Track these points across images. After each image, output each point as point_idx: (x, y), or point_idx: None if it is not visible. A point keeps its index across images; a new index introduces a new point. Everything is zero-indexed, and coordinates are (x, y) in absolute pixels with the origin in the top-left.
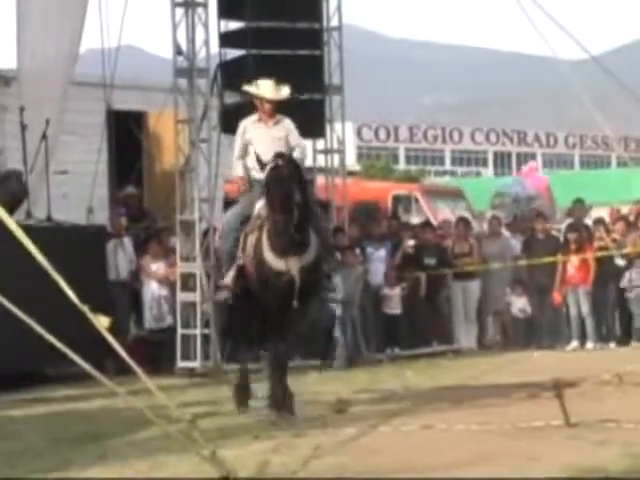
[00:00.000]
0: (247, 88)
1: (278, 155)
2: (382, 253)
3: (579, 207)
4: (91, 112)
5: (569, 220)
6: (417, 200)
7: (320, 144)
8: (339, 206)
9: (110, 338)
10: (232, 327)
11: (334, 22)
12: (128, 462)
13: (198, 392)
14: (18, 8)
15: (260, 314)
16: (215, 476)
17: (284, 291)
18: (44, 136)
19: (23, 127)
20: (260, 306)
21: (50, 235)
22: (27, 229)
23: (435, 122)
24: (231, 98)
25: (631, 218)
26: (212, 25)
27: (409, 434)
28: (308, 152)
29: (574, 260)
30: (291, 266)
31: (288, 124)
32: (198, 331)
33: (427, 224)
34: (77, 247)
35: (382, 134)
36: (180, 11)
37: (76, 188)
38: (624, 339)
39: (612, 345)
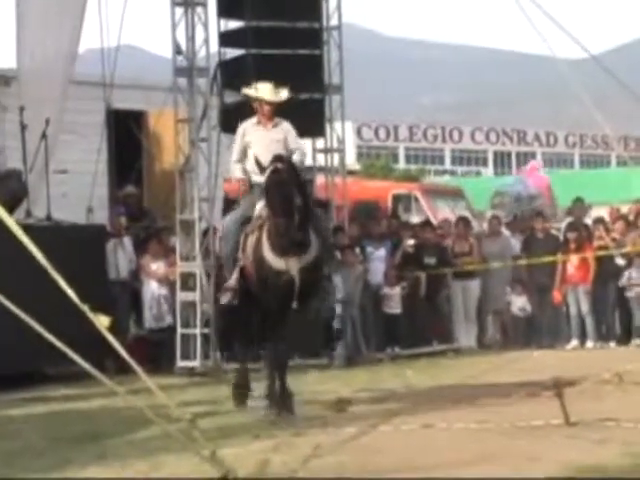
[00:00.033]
0: (246, 91)
1: (277, 158)
2: (382, 252)
3: (579, 206)
4: (91, 111)
5: (569, 219)
6: (417, 199)
7: (320, 143)
8: (339, 205)
9: (110, 337)
10: (232, 327)
11: (334, 21)
12: (128, 462)
13: (198, 391)
14: (17, 7)
15: (260, 314)
16: (215, 475)
17: (284, 291)
18: (44, 135)
19: (23, 127)
20: (260, 306)
21: (50, 234)
22: (27, 228)
23: (435, 121)
24: (231, 97)
25: (631, 217)
26: (212, 24)
27: (409, 433)
28: (308, 152)
29: (574, 259)
30: (291, 266)
31: (287, 127)
32: (198, 330)
33: (427, 223)
34: (77, 246)
35: (382, 133)
36: (180, 10)
37: (76, 187)
38: (624, 338)
39: (612, 344)
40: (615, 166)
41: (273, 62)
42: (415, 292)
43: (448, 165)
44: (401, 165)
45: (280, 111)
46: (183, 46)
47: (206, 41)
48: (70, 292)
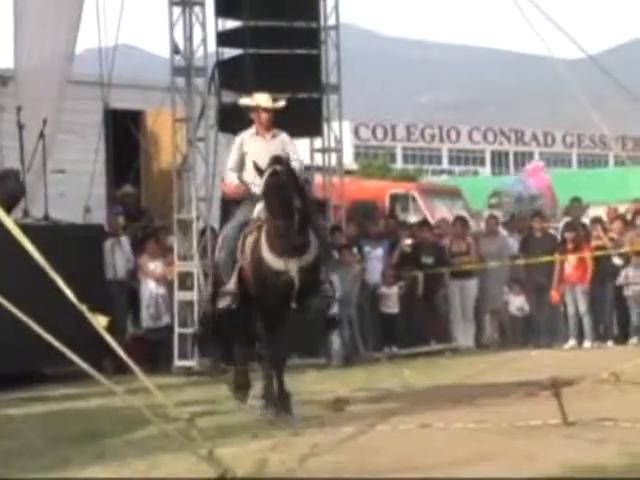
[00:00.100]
0: (243, 101)
1: (276, 160)
2: (379, 252)
3: (576, 206)
4: (88, 111)
5: (566, 219)
6: (414, 199)
7: (317, 143)
8: (336, 205)
9: (108, 337)
10: (231, 329)
11: (331, 21)
12: (126, 461)
13: (196, 391)
14: (15, 7)
15: (259, 314)
16: (213, 475)
17: (282, 291)
18: (41, 135)
19: (20, 126)
20: (259, 306)
21: (47, 234)
22: (24, 228)
23: (432, 121)
24: (229, 97)
25: (628, 217)
26: (209, 24)
27: (407, 433)
28: (305, 154)
29: (571, 259)
30: (290, 266)
31: (285, 138)
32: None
33: (424, 223)
34: (74, 246)
35: (379, 133)
36: (177, 10)
37: (73, 187)
38: (621, 338)
39: (609, 344)
40: (613, 166)
41: (271, 62)
42: (413, 292)
43: (446, 165)
44: (399, 165)
45: (278, 111)
46: (181, 46)
47: (204, 41)
48: (68, 292)
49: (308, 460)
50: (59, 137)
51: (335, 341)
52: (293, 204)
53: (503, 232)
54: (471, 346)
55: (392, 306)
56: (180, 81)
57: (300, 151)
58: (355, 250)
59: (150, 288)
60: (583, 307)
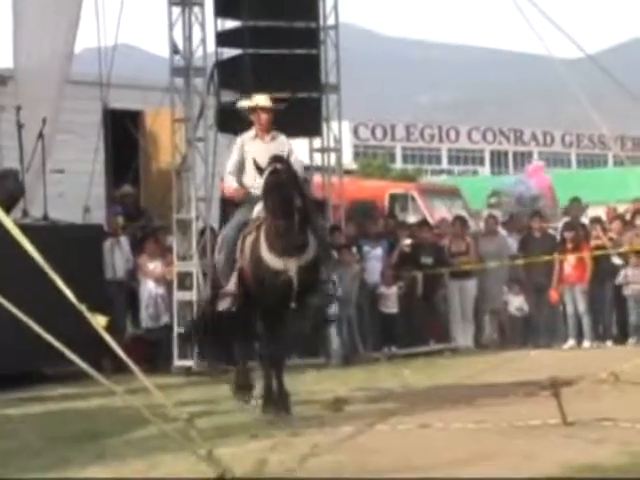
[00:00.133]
0: (242, 103)
1: (276, 159)
2: (379, 252)
3: (576, 206)
4: (88, 111)
5: (566, 219)
6: (414, 199)
7: (317, 143)
8: (336, 205)
9: (107, 337)
10: (231, 329)
11: (331, 21)
12: (126, 461)
13: (195, 391)
14: (14, 7)
15: (259, 314)
16: (212, 475)
17: (282, 291)
18: (41, 135)
19: (20, 126)
20: (258, 306)
21: (47, 234)
22: (24, 228)
23: (432, 121)
24: (228, 97)
25: (627, 217)
26: (209, 24)
27: (406, 433)
28: (304, 155)
29: (571, 259)
30: (289, 266)
31: (284, 140)
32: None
33: (424, 223)
34: (74, 246)
35: (379, 133)
36: (177, 10)
37: (73, 187)
38: (621, 337)
39: (609, 343)
40: (612, 166)
41: (270, 62)
42: (412, 291)
43: (445, 165)
44: (398, 165)
45: (277, 111)
46: (180, 46)
47: (203, 41)
48: (67, 292)
49: (307, 460)
50: (58, 137)
51: (334, 341)
52: (293, 203)
53: (502, 232)
54: (470, 346)
55: (391, 306)
56: (179, 81)
57: (298, 153)
58: (354, 250)
59: (149, 288)
60: (582, 307)
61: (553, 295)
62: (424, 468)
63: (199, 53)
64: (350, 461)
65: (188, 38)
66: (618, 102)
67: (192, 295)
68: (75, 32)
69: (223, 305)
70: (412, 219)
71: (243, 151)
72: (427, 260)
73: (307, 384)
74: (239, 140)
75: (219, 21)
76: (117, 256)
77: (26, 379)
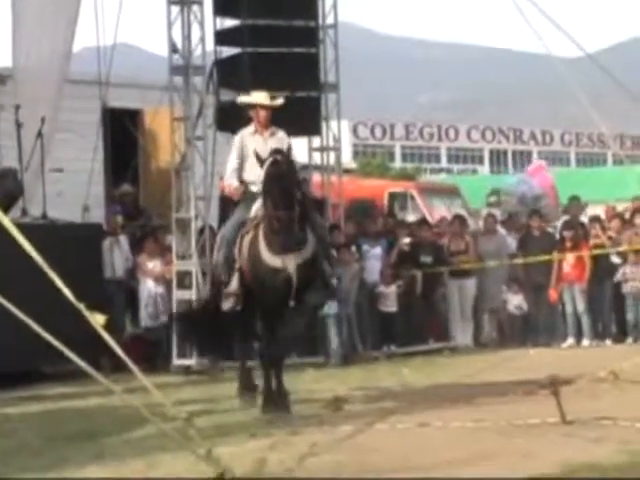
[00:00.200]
0: (242, 99)
1: (277, 151)
2: (378, 251)
3: (575, 205)
4: (87, 110)
5: (565, 217)
6: (413, 198)
7: (316, 142)
8: (335, 204)
9: (106, 336)
10: (231, 328)
11: (330, 20)
12: (125, 460)
13: (194, 390)
14: (13, 7)
15: (258, 313)
16: (211, 474)
17: (281, 288)
18: (39, 134)
19: (19, 125)
20: (258, 305)
21: (46, 233)
22: (22, 227)
23: (431, 120)
24: (227, 96)
25: (627, 216)
26: (208, 23)
27: (405, 432)
28: (303, 154)
29: (570, 258)
30: (288, 263)
31: (283, 136)
32: None
33: (423, 222)
34: (73, 245)
35: (378, 132)
36: (175, 9)
37: (72, 186)
38: (620, 336)
39: (608, 342)
40: (611, 164)
41: (269, 60)
42: (411, 290)
43: (444, 163)
44: (397, 163)
45: (276, 110)
46: (179, 44)
47: (202, 39)
48: (66, 291)
49: (307, 459)
50: (57, 136)
51: (333, 340)
52: (294, 194)
53: (501, 231)
54: (469, 345)
55: (390, 305)
56: (178, 80)
57: (296, 153)
58: (353, 249)
59: (149, 287)
60: (581, 306)
61: (552, 294)
62: (423, 467)
63: (198, 52)
64: (349, 460)
65: (187, 37)
66: (617, 101)
67: (191, 294)
68: (74, 29)
69: (227, 305)
70: (411, 218)
71: (243, 146)
72: (426, 259)
73: (306, 383)
74: (238, 136)
75: (218, 20)
76: (116, 255)
77: (25, 378)
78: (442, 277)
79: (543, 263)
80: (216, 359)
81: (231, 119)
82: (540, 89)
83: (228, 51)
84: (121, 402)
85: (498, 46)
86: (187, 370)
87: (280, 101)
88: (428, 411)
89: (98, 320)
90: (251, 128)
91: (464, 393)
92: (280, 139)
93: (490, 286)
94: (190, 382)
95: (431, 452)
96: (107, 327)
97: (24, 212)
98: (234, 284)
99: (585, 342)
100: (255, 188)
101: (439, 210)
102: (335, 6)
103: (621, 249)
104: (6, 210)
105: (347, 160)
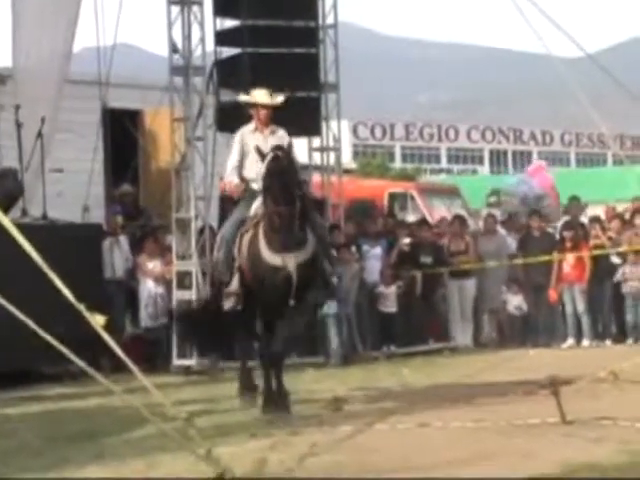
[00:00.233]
0: (242, 97)
1: (278, 147)
2: (378, 251)
3: (575, 205)
4: (87, 110)
5: (565, 218)
6: (413, 198)
7: (316, 142)
8: (335, 204)
9: (106, 336)
10: (232, 327)
11: (330, 20)
12: (125, 461)
13: (194, 390)
14: (13, 7)
15: (259, 312)
16: (211, 474)
17: (281, 287)
18: (40, 134)
19: (19, 125)
20: (258, 304)
21: (46, 233)
22: (22, 227)
23: (431, 120)
24: (227, 96)
25: (627, 216)
26: (208, 23)
27: (405, 432)
28: (303, 156)
29: (570, 258)
30: (288, 262)
31: (283, 134)
32: None
33: (423, 222)
34: (73, 245)
35: (378, 132)
36: (176, 9)
37: (72, 186)
38: (620, 336)
39: (608, 342)
40: (611, 165)
41: (269, 61)
42: (411, 291)
43: (444, 164)
44: (397, 164)
45: (276, 110)
46: (179, 45)
47: (202, 40)
48: (66, 291)
49: (307, 459)
50: (57, 136)
51: (333, 340)
52: (295, 190)
53: (501, 231)
54: (469, 345)
55: (390, 305)
56: (178, 80)
57: (296, 152)
58: (353, 249)
59: (149, 287)
60: (581, 306)
61: (552, 294)
62: (423, 467)
63: (198, 52)
64: (349, 460)
65: (187, 37)
66: (617, 101)
67: (191, 294)
68: (74, 30)
69: (228, 304)
70: (411, 218)
71: (243, 144)
72: (426, 259)
73: (306, 383)
74: (239, 133)
75: (218, 20)
76: (116, 255)
77: (25, 378)
78: (442, 277)
79: (543, 263)
80: (216, 359)
81: (231, 119)
82: (540, 89)
83: (228, 51)
84: (121, 402)
85: (498, 46)
86: (187, 370)
87: (280, 99)
88: (428, 411)
89: (98, 320)
90: (251, 126)
91: (464, 393)
92: (280, 137)
93: (490, 286)
94: (190, 382)
95: (431, 452)
96: (107, 327)
97: (24, 212)
98: (234, 284)
99: (585, 342)
100: (256, 185)
101: (439, 210)
102: (335, 6)
103: (621, 249)
104: (6, 210)
105: (347, 160)
